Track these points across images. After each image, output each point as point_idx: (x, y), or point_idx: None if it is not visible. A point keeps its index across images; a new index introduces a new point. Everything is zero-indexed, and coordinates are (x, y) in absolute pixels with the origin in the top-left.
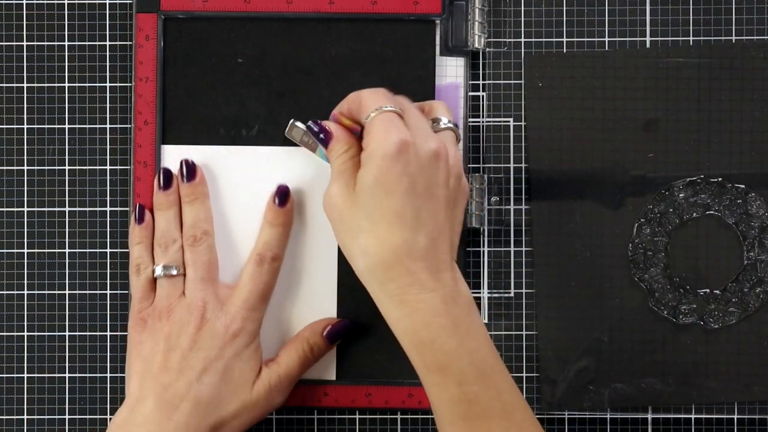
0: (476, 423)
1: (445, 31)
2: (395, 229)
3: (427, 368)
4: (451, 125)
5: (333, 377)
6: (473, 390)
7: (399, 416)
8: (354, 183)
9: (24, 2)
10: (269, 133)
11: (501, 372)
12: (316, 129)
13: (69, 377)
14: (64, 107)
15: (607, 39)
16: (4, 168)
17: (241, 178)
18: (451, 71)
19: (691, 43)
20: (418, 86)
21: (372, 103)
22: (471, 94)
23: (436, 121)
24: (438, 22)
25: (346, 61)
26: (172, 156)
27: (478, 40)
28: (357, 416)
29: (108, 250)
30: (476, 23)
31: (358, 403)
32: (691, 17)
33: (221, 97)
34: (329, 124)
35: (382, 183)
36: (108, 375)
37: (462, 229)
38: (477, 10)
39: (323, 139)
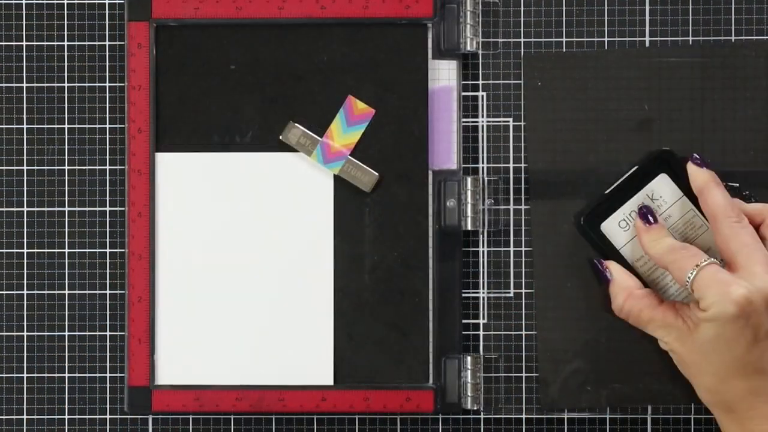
0: None
1: (437, 34)
2: (738, 376)
3: None
4: None
5: (331, 382)
6: None
7: (398, 419)
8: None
9: (24, 2)
10: (263, 138)
11: None
12: (599, 267)
13: (69, 377)
14: (64, 107)
15: (606, 39)
16: (4, 168)
17: (235, 185)
18: (444, 74)
19: (690, 43)
20: (411, 90)
21: (684, 266)
22: (471, 94)
23: None
24: (430, 25)
25: (338, 65)
26: (167, 164)
27: (470, 42)
28: (356, 417)
29: (108, 250)
30: (468, 26)
31: (356, 407)
32: (690, 17)
33: (214, 103)
34: (612, 267)
35: (724, 340)
36: (108, 375)
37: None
38: (469, 12)
39: (602, 278)
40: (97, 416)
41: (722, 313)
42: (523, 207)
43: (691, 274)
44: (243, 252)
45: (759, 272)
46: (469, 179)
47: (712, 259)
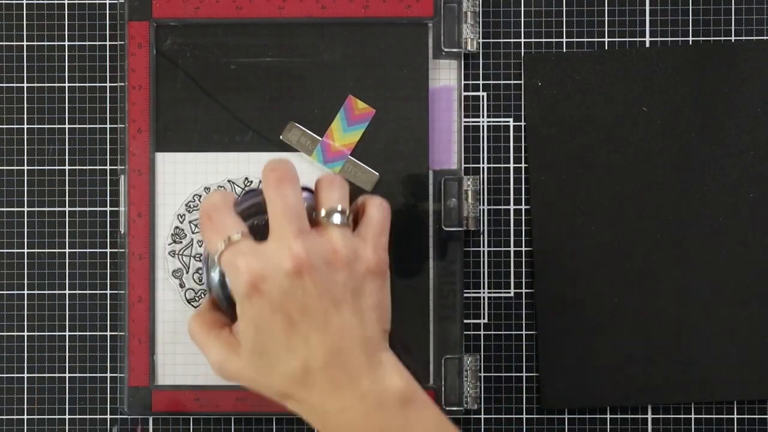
0: None
1: (438, 34)
2: (289, 363)
3: None
4: (331, 213)
5: None
6: None
7: None
8: (229, 341)
9: (24, 2)
10: (263, 138)
11: None
12: None
13: (69, 377)
14: (64, 107)
15: (606, 39)
16: (4, 168)
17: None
18: (444, 74)
19: (690, 43)
20: (412, 90)
21: (212, 238)
22: (471, 94)
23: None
24: (430, 25)
25: (339, 65)
26: (167, 164)
27: (470, 42)
28: None
29: (108, 250)
30: (468, 26)
31: None
32: (690, 17)
33: (215, 103)
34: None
35: (258, 330)
36: (108, 375)
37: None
38: (469, 12)
39: None
40: (98, 416)
41: (237, 297)
42: (523, 207)
43: (217, 253)
44: None
45: (284, 240)
46: (469, 179)
47: (241, 233)
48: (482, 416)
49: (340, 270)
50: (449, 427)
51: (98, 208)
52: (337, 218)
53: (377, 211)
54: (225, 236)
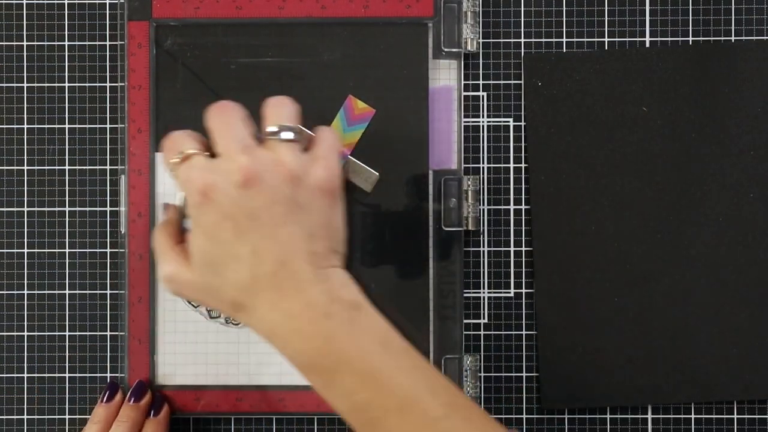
0: (375, 428)
1: (438, 34)
2: (238, 272)
3: (317, 387)
4: (280, 130)
5: None
6: (363, 398)
7: None
8: (183, 254)
9: (24, 2)
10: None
11: (396, 366)
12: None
13: (69, 377)
14: (64, 107)
15: (606, 39)
16: (4, 168)
17: None
18: (444, 74)
19: (690, 43)
20: (412, 90)
21: (168, 154)
22: (472, 94)
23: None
24: (430, 25)
25: (339, 65)
26: None
27: (470, 42)
28: None
29: (108, 250)
30: (468, 26)
31: None
32: (690, 17)
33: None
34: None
35: (207, 238)
36: (108, 375)
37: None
38: (469, 12)
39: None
40: None
41: (190, 204)
42: (523, 207)
43: (172, 169)
44: None
45: (231, 156)
46: (469, 179)
47: (196, 148)
48: None
49: (288, 183)
50: (396, 337)
51: (98, 208)
52: (285, 134)
53: (327, 133)
54: (179, 150)
